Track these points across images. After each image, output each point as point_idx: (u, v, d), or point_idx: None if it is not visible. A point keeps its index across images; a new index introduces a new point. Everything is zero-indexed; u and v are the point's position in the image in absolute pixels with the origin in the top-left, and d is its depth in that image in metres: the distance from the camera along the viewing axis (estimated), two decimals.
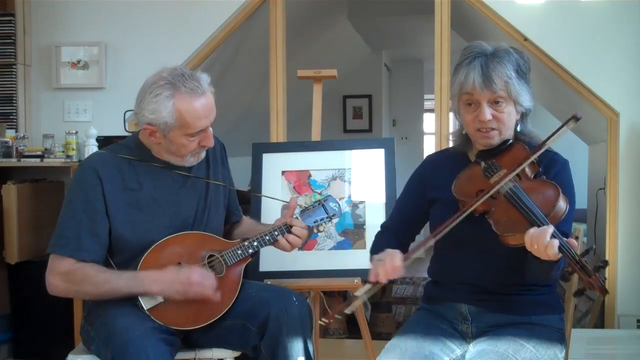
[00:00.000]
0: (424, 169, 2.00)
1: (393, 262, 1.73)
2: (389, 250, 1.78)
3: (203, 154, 2.08)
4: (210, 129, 2.02)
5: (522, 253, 1.67)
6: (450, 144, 2.01)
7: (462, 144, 1.92)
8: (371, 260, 1.82)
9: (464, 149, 1.92)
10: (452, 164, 1.90)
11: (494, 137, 1.80)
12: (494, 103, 1.77)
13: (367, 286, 1.74)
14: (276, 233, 2.09)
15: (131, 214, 2.00)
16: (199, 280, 1.94)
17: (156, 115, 1.93)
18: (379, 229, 2.07)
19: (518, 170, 1.71)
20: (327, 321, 1.80)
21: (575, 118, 1.68)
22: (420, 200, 1.95)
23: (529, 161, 1.72)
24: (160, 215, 2.03)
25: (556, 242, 1.55)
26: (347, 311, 1.75)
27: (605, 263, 1.55)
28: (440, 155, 2.05)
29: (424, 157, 2.08)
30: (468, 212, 1.71)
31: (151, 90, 1.93)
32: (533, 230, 1.59)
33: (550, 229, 1.57)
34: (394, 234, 2.00)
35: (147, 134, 2.00)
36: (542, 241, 1.55)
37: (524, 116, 1.84)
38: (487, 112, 1.76)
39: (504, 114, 1.78)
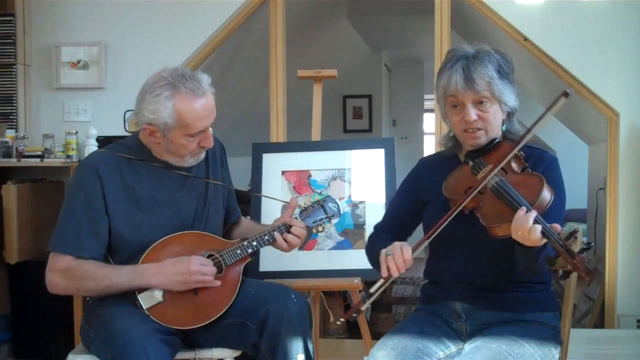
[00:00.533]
0: (417, 172, 2.03)
1: (404, 255, 1.73)
2: (396, 243, 1.78)
3: (202, 155, 2.08)
4: (210, 129, 2.02)
5: (513, 249, 1.68)
6: (440, 148, 2.03)
7: (453, 146, 1.95)
8: (377, 256, 1.80)
9: (454, 151, 1.95)
10: (444, 166, 1.92)
11: (481, 137, 1.83)
12: (479, 103, 1.80)
13: (380, 281, 1.75)
14: (275, 233, 2.09)
15: (131, 213, 2.00)
16: (198, 268, 1.94)
17: (156, 116, 1.93)
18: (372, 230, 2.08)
19: (503, 163, 1.75)
20: (344, 320, 1.84)
21: (566, 94, 1.67)
22: (413, 202, 1.97)
23: (514, 152, 1.75)
24: (159, 215, 2.03)
25: (538, 227, 1.57)
26: (363, 308, 1.77)
27: (589, 245, 1.58)
28: (433, 158, 2.08)
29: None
30: (460, 207, 1.74)
31: (151, 90, 1.93)
32: (516, 217, 1.61)
33: (533, 214, 1.59)
34: (393, 235, 2.00)
35: (147, 134, 2.00)
36: (525, 226, 1.57)
37: (510, 115, 1.87)
38: (472, 113, 1.79)
39: (489, 114, 1.81)
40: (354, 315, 1.79)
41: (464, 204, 1.74)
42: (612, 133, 3.27)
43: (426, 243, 1.78)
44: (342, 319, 1.85)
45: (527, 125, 1.81)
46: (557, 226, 1.60)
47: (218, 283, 1.98)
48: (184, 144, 1.98)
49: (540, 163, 1.83)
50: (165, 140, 1.98)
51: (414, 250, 1.75)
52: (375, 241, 1.98)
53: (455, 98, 1.81)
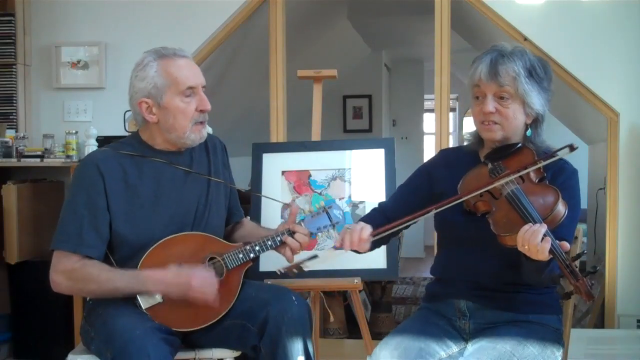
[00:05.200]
0: (436, 162, 2.03)
1: (361, 234, 1.80)
2: (361, 223, 1.84)
3: (204, 133, 2.08)
4: (203, 93, 2.05)
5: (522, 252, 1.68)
6: (465, 143, 2.03)
7: (476, 142, 1.94)
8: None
9: (476, 147, 1.94)
10: (463, 161, 1.92)
11: (496, 131, 1.82)
12: (500, 98, 1.79)
13: (330, 248, 1.84)
14: (279, 239, 2.08)
15: (132, 210, 2.00)
16: (199, 285, 1.93)
17: (145, 82, 1.99)
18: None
19: (521, 173, 1.74)
20: (282, 271, 1.92)
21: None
22: (424, 190, 1.97)
23: (534, 167, 1.75)
24: (160, 212, 2.03)
25: (547, 246, 1.55)
26: (305, 268, 1.87)
27: (595, 269, 1.58)
28: (454, 152, 2.06)
29: (424, 157, 2.11)
30: (458, 201, 1.75)
31: (137, 68, 2.04)
32: (525, 230, 1.59)
33: (543, 229, 1.57)
34: (386, 216, 2.00)
35: (145, 112, 2.01)
36: (534, 242, 1.56)
37: (536, 122, 1.85)
38: (491, 105, 1.79)
39: (509, 110, 1.80)
40: (294, 271, 1.87)
41: (464, 199, 1.75)
42: (612, 133, 3.27)
43: (393, 230, 1.82)
44: (281, 270, 1.93)
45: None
46: (565, 244, 1.58)
47: (216, 303, 1.97)
48: (180, 107, 2.00)
49: (561, 174, 1.82)
50: (161, 111, 2.00)
51: (375, 233, 1.81)
52: (367, 215, 2.03)
53: (478, 88, 1.82)
